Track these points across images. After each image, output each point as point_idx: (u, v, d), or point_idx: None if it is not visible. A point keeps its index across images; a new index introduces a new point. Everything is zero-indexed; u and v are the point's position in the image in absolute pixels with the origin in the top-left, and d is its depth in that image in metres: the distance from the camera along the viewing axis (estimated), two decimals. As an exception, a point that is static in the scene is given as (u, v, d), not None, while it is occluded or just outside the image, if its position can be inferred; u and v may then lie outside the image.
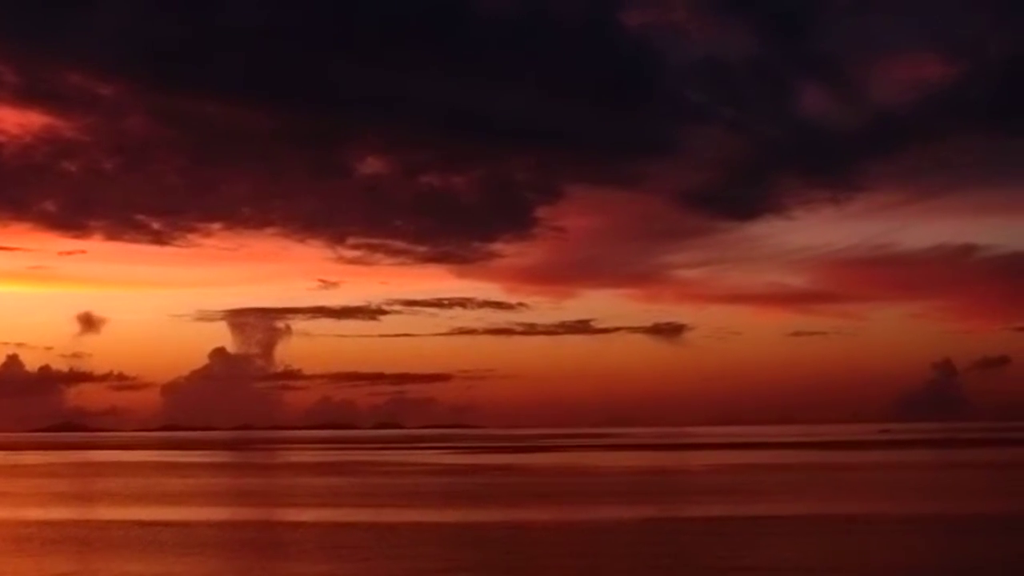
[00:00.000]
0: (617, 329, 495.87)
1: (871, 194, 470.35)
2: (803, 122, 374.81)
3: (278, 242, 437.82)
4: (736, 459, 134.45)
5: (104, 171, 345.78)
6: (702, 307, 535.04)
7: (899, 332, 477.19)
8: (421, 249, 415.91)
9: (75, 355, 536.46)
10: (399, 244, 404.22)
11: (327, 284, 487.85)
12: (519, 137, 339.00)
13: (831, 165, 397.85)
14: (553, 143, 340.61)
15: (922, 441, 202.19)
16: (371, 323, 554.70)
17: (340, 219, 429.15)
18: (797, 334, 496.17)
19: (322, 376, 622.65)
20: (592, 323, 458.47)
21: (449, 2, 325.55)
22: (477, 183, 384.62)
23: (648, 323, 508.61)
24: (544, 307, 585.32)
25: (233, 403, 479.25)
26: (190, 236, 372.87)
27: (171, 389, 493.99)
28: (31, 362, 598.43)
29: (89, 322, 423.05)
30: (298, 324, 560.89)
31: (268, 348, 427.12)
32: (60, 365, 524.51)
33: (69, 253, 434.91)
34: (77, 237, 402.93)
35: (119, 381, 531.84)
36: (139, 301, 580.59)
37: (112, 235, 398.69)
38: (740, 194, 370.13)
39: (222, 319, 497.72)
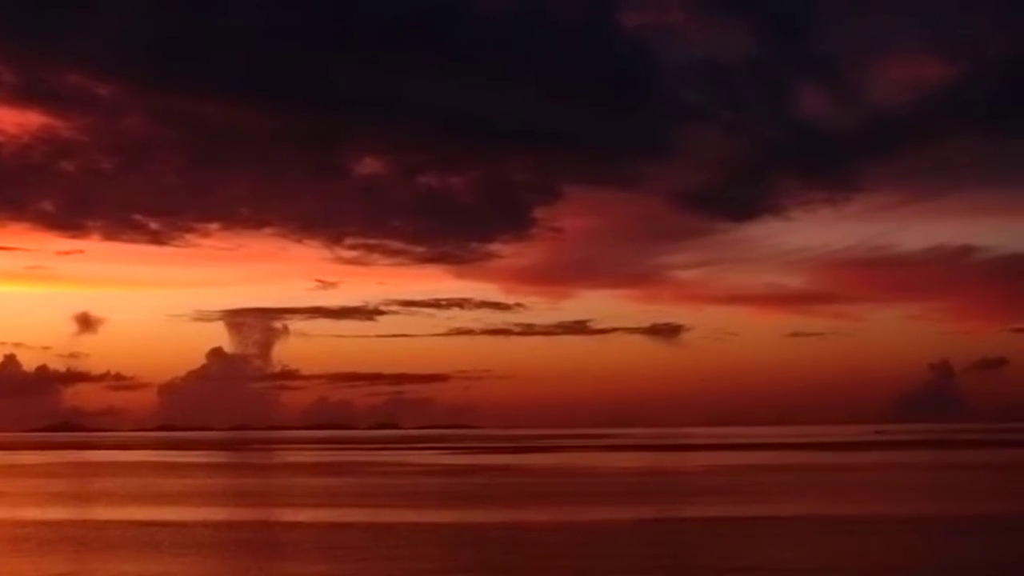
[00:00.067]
0: (615, 330, 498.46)
1: (869, 195, 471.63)
2: (801, 123, 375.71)
3: (276, 242, 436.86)
4: (734, 460, 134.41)
5: (102, 171, 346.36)
6: (700, 308, 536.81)
7: (897, 333, 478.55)
8: (419, 249, 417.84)
9: (72, 355, 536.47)
10: (397, 244, 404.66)
11: (325, 284, 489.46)
12: (517, 138, 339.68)
13: (829, 166, 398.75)
14: (551, 144, 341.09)
15: (920, 442, 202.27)
16: (369, 323, 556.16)
17: (338, 219, 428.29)
18: (795, 335, 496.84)
19: (319, 376, 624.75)
20: (590, 324, 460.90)
21: (448, 3, 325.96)
22: (475, 183, 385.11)
23: (646, 324, 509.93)
24: (542, 307, 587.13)
25: (230, 403, 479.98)
26: (188, 236, 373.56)
27: (168, 389, 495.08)
28: (28, 362, 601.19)
29: (86, 322, 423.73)
30: (296, 324, 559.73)
31: (265, 348, 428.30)
32: (57, 365, 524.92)
33: (67, 253, 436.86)
34: (75, 237, 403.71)
35: (116, 381, 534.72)
36: (137, 301, 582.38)
37: (110, 235, 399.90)
38: (738, 195, 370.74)
39: (220, 319, 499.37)
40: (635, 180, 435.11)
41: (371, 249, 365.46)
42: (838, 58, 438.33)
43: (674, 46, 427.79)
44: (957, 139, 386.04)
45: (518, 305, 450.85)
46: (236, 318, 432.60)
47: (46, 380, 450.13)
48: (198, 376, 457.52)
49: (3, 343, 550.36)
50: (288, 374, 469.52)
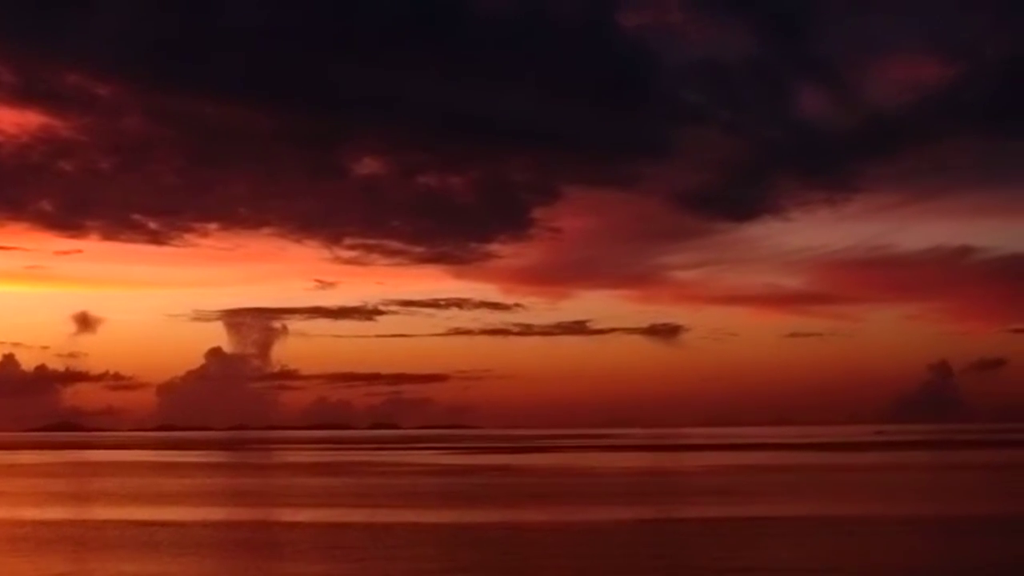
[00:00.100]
0: (613, 330, 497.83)
1: (868, 195, 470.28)
2: (800, 123, 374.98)
3: (275, 242, 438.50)
4: (732, 460, 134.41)
5: (101, 171, 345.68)
6: (699, 308, 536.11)
7: (896, 333, 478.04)
8: (418, 249, 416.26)
9: (71, 355, 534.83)
10: (396, 244, 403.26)
11: (324, 284, 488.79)
12: (516, 138, 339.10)
13: (828, 166, 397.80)
14: (550, 144, 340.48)
15: (919, 443, 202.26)
16: (367, 323, 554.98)
17: (337, 219, 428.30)
18: (794, 335, 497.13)
19: (318, 376, 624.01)
20: (589, 324, 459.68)
21: (448, 3, 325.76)
22: (474, 184, 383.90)
23: (645, 324, 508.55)
24: (541, 308, 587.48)
25: (229, 403, 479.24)
26: (187, 236, 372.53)
27: (167, 389, 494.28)
28: (27, 362, 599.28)
29: (85, 322, 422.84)
30: (294, 324, 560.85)
31: (264, 348, 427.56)
32: (56, 365, 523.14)
33: (65, 253, 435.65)
34: (73, 237, 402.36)
35: (115, 381, 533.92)
36: (135, 301, 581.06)
37: (109, 235, 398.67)
38: (737, 195, 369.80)
39: (218, 319, 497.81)
40: (634, 180, 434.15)
41: (370, 249, 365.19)
42: (838, 58, 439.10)
43: (674, 46, 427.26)
44: (956, 139, 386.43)
45: (517, 305, 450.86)
46: (235, 318, 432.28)
47: (45, 380, 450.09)
48: (197, 376, 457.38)
49: (2, 343, 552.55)
50: (287, 374, 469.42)
